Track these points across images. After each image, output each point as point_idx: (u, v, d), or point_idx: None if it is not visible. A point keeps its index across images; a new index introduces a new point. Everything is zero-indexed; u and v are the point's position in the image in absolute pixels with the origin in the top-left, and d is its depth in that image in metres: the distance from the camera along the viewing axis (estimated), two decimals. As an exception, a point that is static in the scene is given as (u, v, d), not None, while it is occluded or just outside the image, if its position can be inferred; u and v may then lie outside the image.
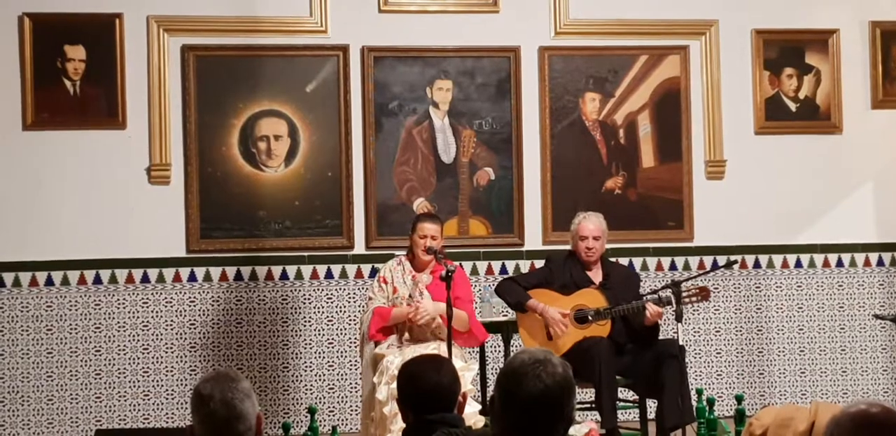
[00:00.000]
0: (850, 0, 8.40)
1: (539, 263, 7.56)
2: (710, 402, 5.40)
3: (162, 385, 7.69)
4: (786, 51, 8.35)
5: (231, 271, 7.78)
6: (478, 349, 7.41)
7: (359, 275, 7.89)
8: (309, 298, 7.86)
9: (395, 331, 6.64)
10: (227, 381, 3.14)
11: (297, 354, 7.83)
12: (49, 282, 7.61)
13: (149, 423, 7.64)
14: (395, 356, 6.35)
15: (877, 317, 8.02)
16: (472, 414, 6.17)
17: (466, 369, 6.34)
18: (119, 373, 7.66)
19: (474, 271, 7.91)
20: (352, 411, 7.85)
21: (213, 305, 7.77)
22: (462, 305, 6.51)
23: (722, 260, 7.98)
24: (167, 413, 7.68)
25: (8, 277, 7.58)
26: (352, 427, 7.82)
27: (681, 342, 6.60)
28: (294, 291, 7.85)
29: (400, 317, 6.56)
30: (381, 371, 6.36)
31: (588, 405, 6.83)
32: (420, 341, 6.59)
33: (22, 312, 7.59)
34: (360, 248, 7.90)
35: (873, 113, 8.44)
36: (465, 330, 6.56)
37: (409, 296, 6.63)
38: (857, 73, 8.40)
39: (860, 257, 8.40)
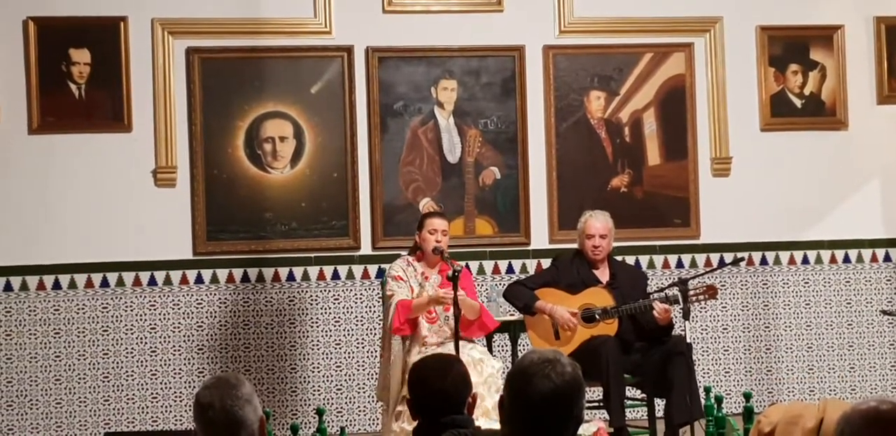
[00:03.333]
0: (855, -4, 8.40)
1: (545, 262, 7.56)
2: (718, 399, 5.39)
3: (170, 387, 7.70)
4: (790, 47, 8.34)
5: (238, 273, 7.79)
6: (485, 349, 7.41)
7: (366, 275, 7.90)
8: (316, 300, 7.86)
9: (415, 330, 6.63)
10: (227, 387, 3.14)
11: (304, 355, 7.83)
12: (56, 285, 7.62)
13: (157, 425, 7.65)
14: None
15: (884, 313, 8.01)
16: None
17: (497, 371, 6.39)
18: (127, 376, 7.66)
19: (481, 271, 7.91)
20: (360, 411, 7.85)
21: (220, 307, 7.77)
22: (471, 296, 6.61)
23: (729, 257, 7.98)
24: (175, 415, 7.69)
25: (15, 281, 7.58)
26: (360, 428, 7.82)
27: (688, 340, 6.60)
28: (301, 293, 7.85)
29: (422, 305, 6.55)
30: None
31: (596, 404, 6.83)
32: (441, 343, 6.60)
33: (29, 315, 7.60)
34: (366, 248, 7.90)
35: (879, 108, 8.43)
36: (476, 317, 6.59)
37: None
38: (862, 69, 8.39)
39: (867, 253, 8.39)
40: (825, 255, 8.35)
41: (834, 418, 3.19)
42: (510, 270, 7.99)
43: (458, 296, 6.31)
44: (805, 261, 8.34)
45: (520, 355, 6.77)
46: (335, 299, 7.88)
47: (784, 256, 8.31)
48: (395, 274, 6.68)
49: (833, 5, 8.37)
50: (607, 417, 6.66)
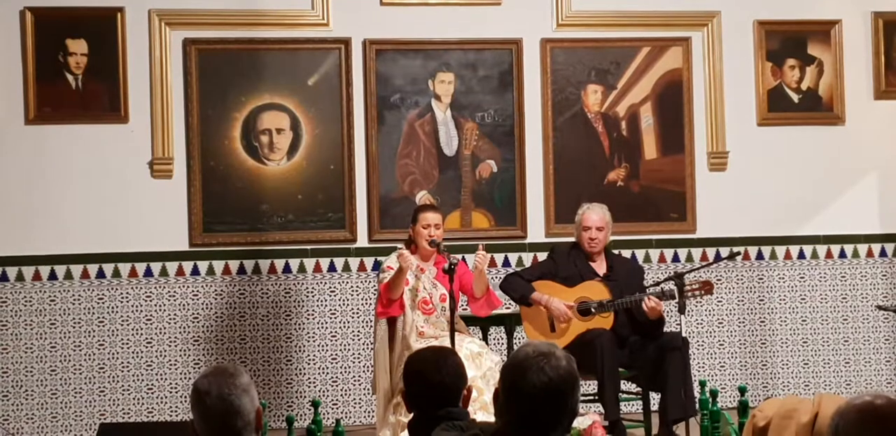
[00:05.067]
0: (853, -9, 8.40)
1: (542, 256, 7.56)
2: (714, 394, 5.40)
3: (165, 379, 7.70)
4: (788, 42, 8.33)
5: (234, 265, 7.79)
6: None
7: (362, 268, 7.90)
8: (312, 292, 7.86)
9: (402, 312, 6.63)
10: (226, 376, 3.15)
11: (300, 347, 7.83)
12: (52, 276, 7.61)
13: (153, 416, 7.65)
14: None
15: (879, 308, 8.02)
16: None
17: (496, 364, 6.40)
18: (123, 367, 7.66)
19: (477, 264, 7.91)
20: (355, 403, 7.86)
21: (216, 299, 7.77)
22: (469, 287, 6.70)
23: (725, 251, 7.98)
24: (171, 407, 7.69)
25: (11, 272, 7.58)
26: (355, 420, 7.83)
27: (684, 334, 6.60)
28: (297, 285, 7.85)
29: (395, 277, 6.53)
30: None
31: (591, 397, 6.84)
32: (433, 336, 6.60)
33: (25, 306, 7.59)
34: (362, 241, 7.90)
35: (876, 104, 8.43)
36: (482, 295, 6.66)
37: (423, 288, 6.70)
38: (859, 64, 8.39)
39: (863, 248, 8.40)
40: (821, 250, 8.36)
41: (829, 412, 3.20)
42: (506, 263, 7.99)
43: (476, 269, 6.56)
44: (801, 256, 8.34)
45: (515, 347, 6.77)
46: (331, 292, 7.88)
47: (780, 250, 8.31)
48: (385, 266, 6.69)
49: (831, 0, 8.36)
50: (602, 410, 6.67)
